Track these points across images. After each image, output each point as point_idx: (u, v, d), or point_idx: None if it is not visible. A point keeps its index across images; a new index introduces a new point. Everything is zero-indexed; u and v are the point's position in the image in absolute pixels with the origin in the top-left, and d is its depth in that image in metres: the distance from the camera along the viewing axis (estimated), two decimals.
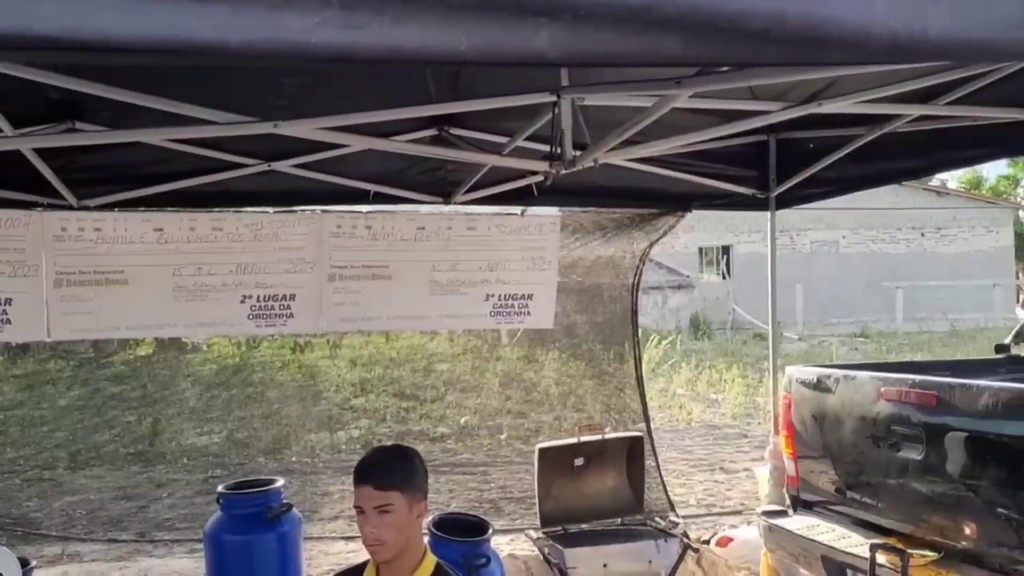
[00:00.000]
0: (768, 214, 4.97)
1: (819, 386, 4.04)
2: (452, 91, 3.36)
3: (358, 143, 3.17)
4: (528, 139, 3.54)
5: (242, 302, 4.22)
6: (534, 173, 4.19)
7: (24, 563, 3.53)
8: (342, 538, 6.47)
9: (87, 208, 3.99)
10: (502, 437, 9.85)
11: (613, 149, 3.15)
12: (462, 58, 1.03)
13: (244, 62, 0.99)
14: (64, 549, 6.66)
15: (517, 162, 3.40)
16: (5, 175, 3.69)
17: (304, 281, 4.27)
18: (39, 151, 3.42)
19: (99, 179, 3.94)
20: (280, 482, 4.24)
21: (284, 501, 4.15)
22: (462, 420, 10.50)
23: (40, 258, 3.90)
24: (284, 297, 4.26)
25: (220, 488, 4.22)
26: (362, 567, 2.56)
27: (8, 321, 3.90)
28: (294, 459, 9.34)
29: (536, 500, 4.53)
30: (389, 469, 2.43)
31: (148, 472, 9.15)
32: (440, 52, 1.03)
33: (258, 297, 4.23)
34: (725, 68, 2.12)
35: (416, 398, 11.58)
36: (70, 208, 3.95)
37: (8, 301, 3.88)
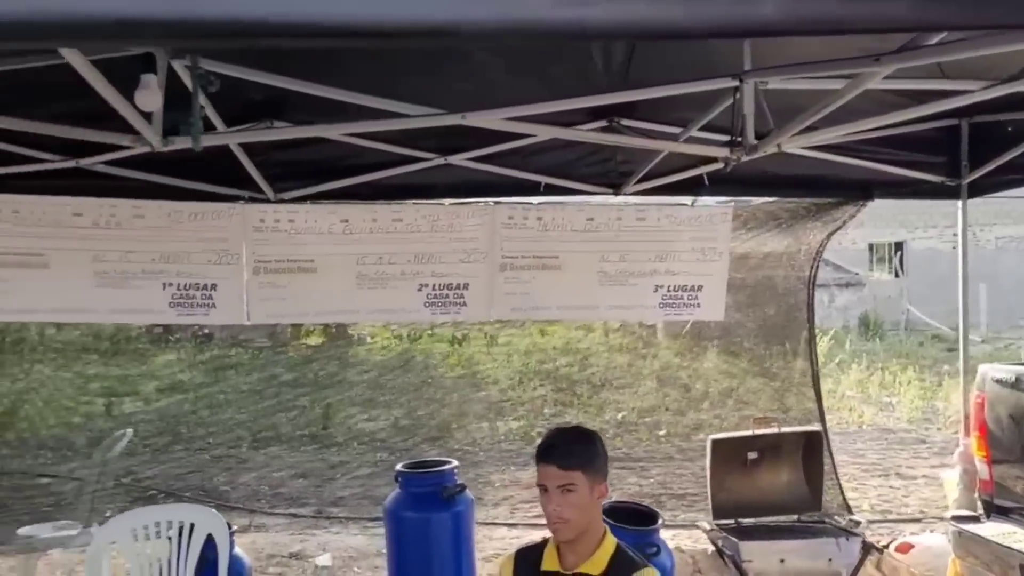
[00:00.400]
0: (958, 203, 4.67)
1: (1018, 385, 3.77)
2: (624, 81, 3.37)
3: (541, 132, 3.24)
4: (700, 129, 3.50)
5: (419, 290, 4.41)
6: (708, 162, 4.14)
7: (228, 527, 3.85)
8: (505, 524, 6.64)
9: (283, 201, 4.29)
10: (660, 433, 9.75)
11: (794, 135, 3.07)
12: (686, 33, 1.05)
13: (479, 42, 1.05)
14: (251, 521, 7.18)
15: (696, 148, 3.37)
16: (214, 171, 4.03)
17: (477, 270, 4.41)
18: (244, 148, 3.71)
19: (294, 174, 4.23)
20: (454, 463, 4.39)
21: (458, 482, 4.30)
22: (619, 415, 10.48)
23: (241, 247, 4.23)
24: (458, 286, 4.42)
25: (398, 467, 4.42)
26: (542, 545, 2.63)
27: (214, 305, 4.25)
28: (456, 447, 9.63)
29: (708, 492, 4.47)
30: (572, 450, 2.49)
31: (322, 454, 9.71)
32: (665, 26, 1.05)
33: (434, 286, 4.41)
34: (935, 39, 2.02)
35: (573, 392, 11.66)
36: (267, 201, 4.27)
37: (214, 287, 4.24)
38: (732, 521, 4.45)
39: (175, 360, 14.31)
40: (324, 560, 6.11)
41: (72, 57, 2.06)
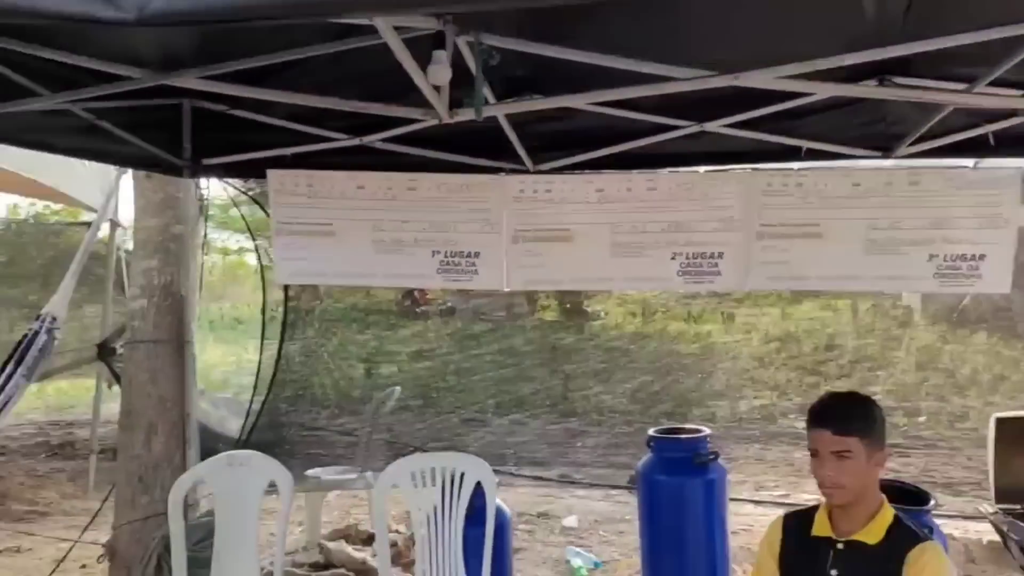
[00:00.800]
0: None
1: None
2: (901, 32, 3.15)
3: (820, 91, 3.13)
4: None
5: (672, 259, 4.40)
6: (992, 120, 3.79)
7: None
8: (751, 501, 6.51)
9: (540, 172, 4.46)
10: (920, 420, 9.09)
11: None
12: None
13: None
14: (500, 481, 7.57)
15: (994, 101, 3.09)
16: (479, 145, 4.28)
17: (732, 239, 4.33)
18: (508, 120, 3.90)
19: (551, 145, 4.37)
20: (707, 431, 4.39)
21: (711, 450, 4.30)
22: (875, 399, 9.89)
23: (501, 217, 4.45)
24: (712, 255, 4.37)
25: (651, 431, 4.49)
26: (813, 510, 2.59)
27: (476, 271, 4.52)
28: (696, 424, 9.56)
29: (990, 474, 4.13)
30: (848, 415, 2.43)
31: (562, 422, 10.03)
32: None
33: (687, 255, 4.38)
34: None
35: (819, 373, 11.14)
36: (526, 172, 4.45)
37: (476, 254, 4.51)
38: (1018, 506, 4.08)
39: (423, 330, 15.30)
40: (571, 521, 6.34)
41: (389, 37, 2.28)
